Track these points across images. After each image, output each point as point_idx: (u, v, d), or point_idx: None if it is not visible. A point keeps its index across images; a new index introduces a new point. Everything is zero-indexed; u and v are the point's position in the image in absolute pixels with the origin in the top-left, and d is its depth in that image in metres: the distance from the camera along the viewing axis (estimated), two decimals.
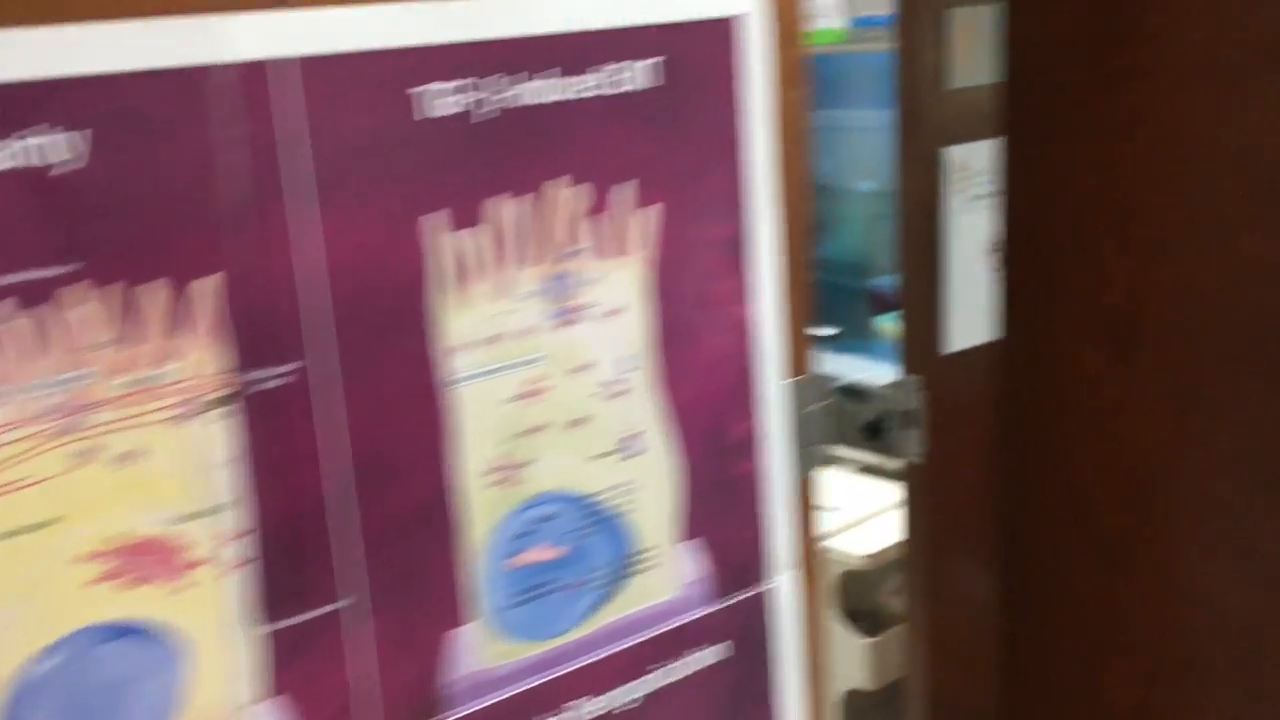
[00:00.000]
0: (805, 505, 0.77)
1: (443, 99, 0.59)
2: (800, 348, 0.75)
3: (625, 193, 0.66)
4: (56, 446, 0.51)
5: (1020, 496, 0.99)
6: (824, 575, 0.80)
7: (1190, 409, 0.79)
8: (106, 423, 0.52)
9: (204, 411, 0.55)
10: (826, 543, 2.22)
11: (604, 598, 0.69)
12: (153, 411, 0.53)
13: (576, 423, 0.66)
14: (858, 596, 2.21)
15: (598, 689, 0.69)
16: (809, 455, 0.76)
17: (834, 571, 2.16)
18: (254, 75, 0.54)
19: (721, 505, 0.73)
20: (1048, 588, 0.97)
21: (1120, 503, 0.83)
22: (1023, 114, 0.83)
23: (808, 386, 0.75)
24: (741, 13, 0.69)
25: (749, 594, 0.75)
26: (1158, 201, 0.78)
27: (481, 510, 0.63)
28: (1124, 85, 0.75)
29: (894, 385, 2.14)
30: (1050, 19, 0.78)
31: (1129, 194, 0.78)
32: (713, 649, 0.74)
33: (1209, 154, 0.74)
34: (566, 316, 0.65)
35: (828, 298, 3.12)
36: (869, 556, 2.09)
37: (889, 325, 2.52)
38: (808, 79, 0.72)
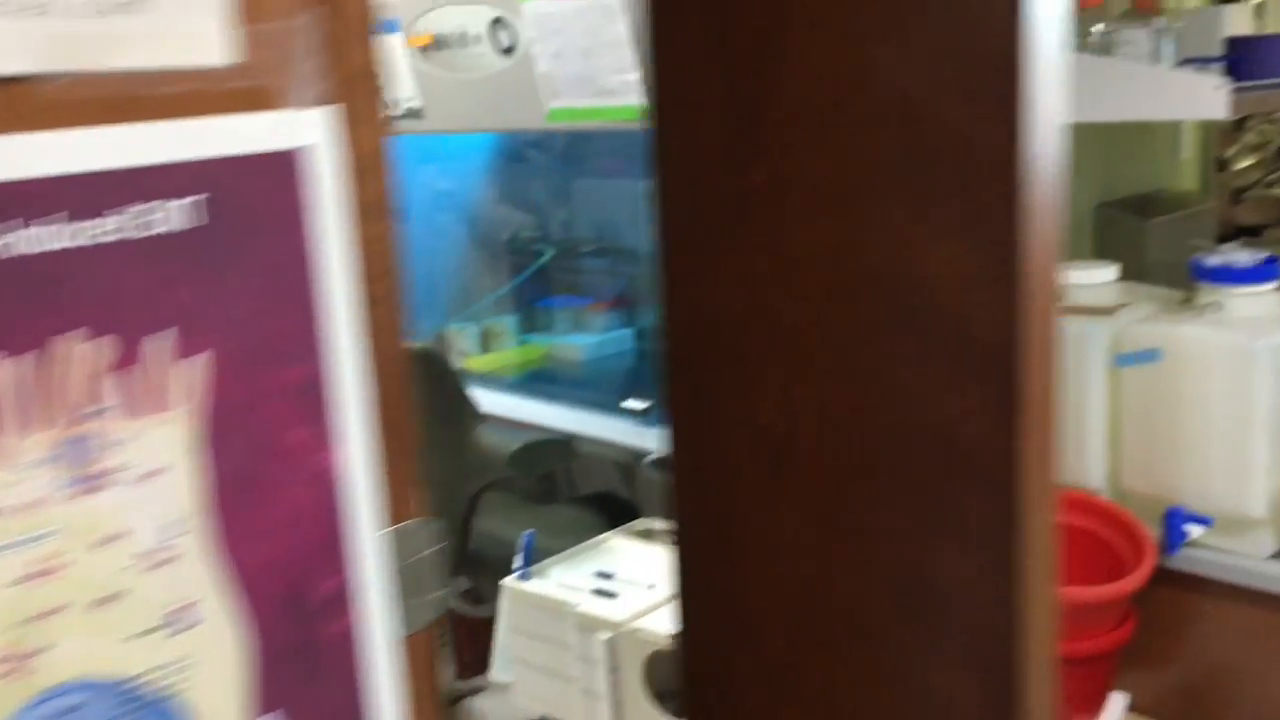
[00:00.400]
0: (421, 660, 0.70)
1: None
2: (403, 492, 0.68)
3: (162, 343, 0.59)
4: None
5: (695, 616, 0.94)
6: None
7: (840, 532, 0.74)
8: None
9: None
10: (638, 622, 2.14)
11: None
12: None
13: (105, 600, 0.58)
14: (667, 676, 2.15)
15: None
16: (420, 607, 0.69)
17: (643, 652, 2.10)
18: None
19: (306, 672, 0.65)
20: (725, 716, 0.91)
21: (783, 626, 0.78)
22: (676, 225, 0.78)
23: (414, 534, 0.69)
24: (306, 145, 0.62)
25: None
26: (801, 319, 0.73)
27: None
28: (763, 202, 0.70)
29: None
30: (692, 131, 0.73)
31: (776, 310, 0.73)
32: None
33: (840, 274, 0.70)
34: (88, 484, 0.57)
35: (644, 370, 3.07)
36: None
37: None
38: (394, 211, 0.67)
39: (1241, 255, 2.01)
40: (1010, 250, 0.61)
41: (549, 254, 3.16)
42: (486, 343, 3.11)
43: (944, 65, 0.63)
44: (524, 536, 2.39)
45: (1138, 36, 1.97)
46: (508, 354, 3.08)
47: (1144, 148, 2.55)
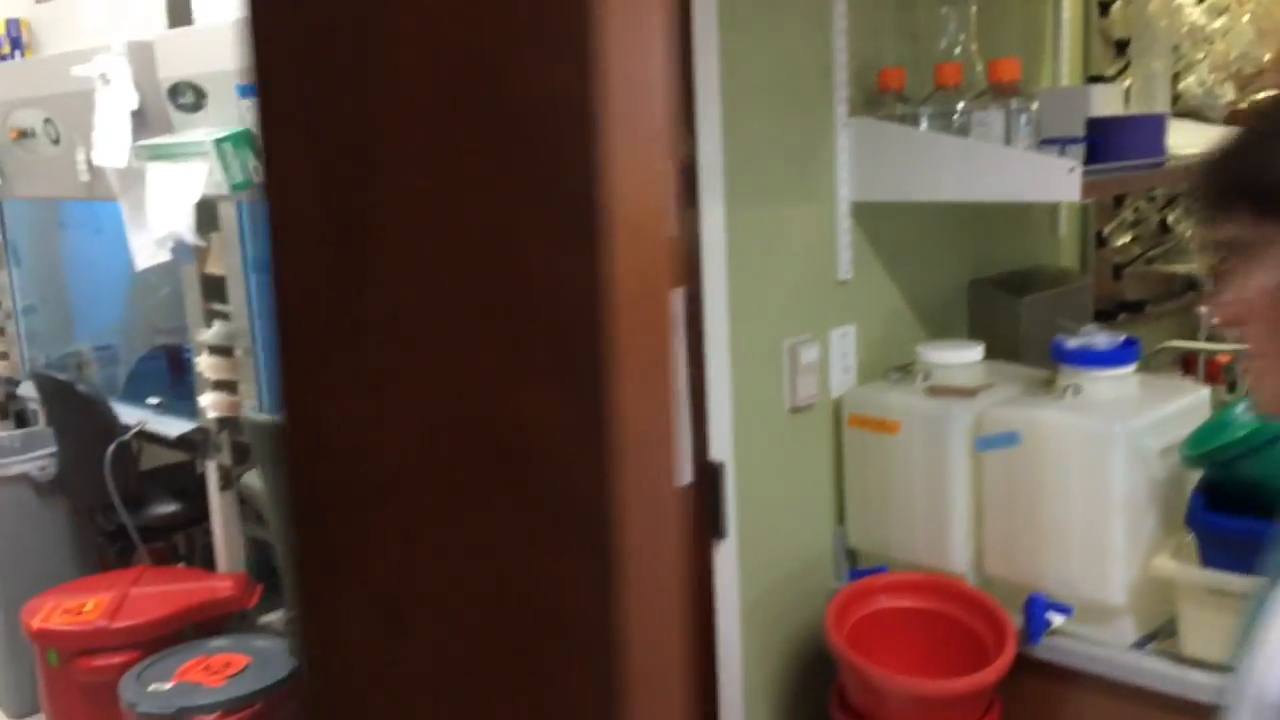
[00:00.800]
0: None
1: None
2: None
3: None
4: None
5: None
6: None
7: (456, 708, 0.64)
8: None
9: None
10: None
11: None
12: None
13: None
14: None
15: None
16: None
17: None
18: None
19: None
20: None
21: None
22: (293, 355, 0.67)
23: None
24: None
25: None
26: (411, 467, 0.62)
27: None
28: (370, 334, 0.59)
29: None
30: (304, 250, 0.62)
31: (388, 457, 0.63)
32: None
33: (443, 419, 0.59)
34: None
35: None
36: None
37: None
38: None
39: (1100, 337, 1.94)
40: (599, 400, 0.51)
41: None
42: None
43: (532, 201, 0.53)
44: None
45: (992, 117, 1.91)
46: None
47: (1021, 224, 2.49)
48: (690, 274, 1.86)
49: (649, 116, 0.50)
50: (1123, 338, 1.94)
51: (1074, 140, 2.01)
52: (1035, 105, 1.94)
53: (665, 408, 0.54)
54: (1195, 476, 1.82)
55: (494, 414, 0.56)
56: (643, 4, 0.49)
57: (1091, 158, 2.01)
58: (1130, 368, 1.93)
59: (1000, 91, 1.96)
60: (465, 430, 0.58)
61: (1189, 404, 1.94)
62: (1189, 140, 2.29)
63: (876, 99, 2.08)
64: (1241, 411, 1.84)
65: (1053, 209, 2.54)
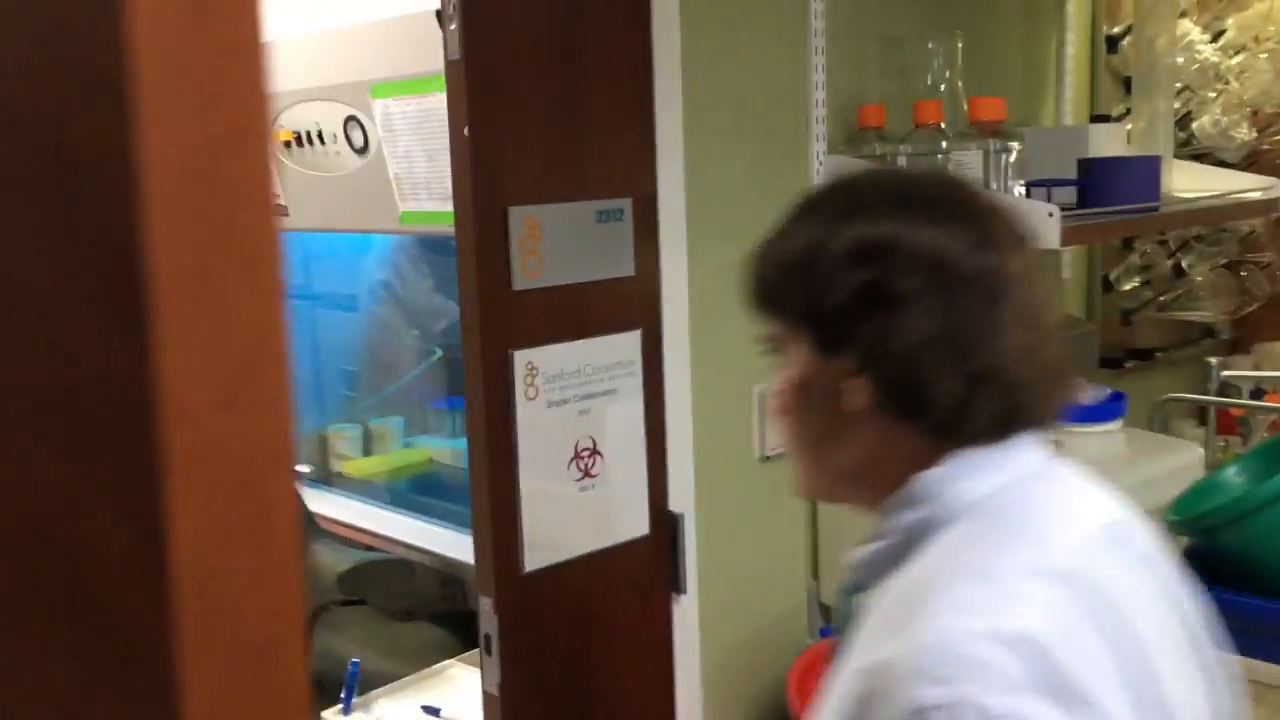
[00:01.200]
0: None
1: None
2: None
3: None
4: None
5: None
6: None
7: None
8: None
9: None
10: None
11: None
12: None
13: None
14: None
15: None
16: None
17: None
18: None
19: None
20: None
21: None
22: None
23: None
24: None
25: None
26: None
27: None
28: None
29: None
30: None
31: None
32: None
33: (9, 541, 0.49)
34: None
35: None
36: None
37: None
38: None
39: (1084, 392, 1.80)
40: (157, 532, 0.40)
41: (438, 354, 2.97)
42: (369, 445, 2.91)
43: (78, 278, 0.42)
44: (350, 666, 2.18)
45: (971, 158, 1.78)
46: (390, 457, 2.88)
47: None
48: (649, 315, 1.75)
49: (227, 172, 0.40)
50: (1108, 392, 1.80)
51: (1062, 182, 1.88)
52: (1016, 145, 1.81)
53: (271, 540, 0.43)
54: (1184, 542, 1.67)
55: (56, 537, 0.46)
56: (202, 56, 0.39)
57: (1084, 200, 1.88)
58: (1116, 423, 1.78)
59: (982, 131, 1.83)
60: (28, 552, 0.48)
61: (1179, 463, 1.79)
62: (1195, 183, 2.14)
63: (857, 136, 1.96)
64: (1235, 473, 1.69)
65: (1055, 251, 2.40)
